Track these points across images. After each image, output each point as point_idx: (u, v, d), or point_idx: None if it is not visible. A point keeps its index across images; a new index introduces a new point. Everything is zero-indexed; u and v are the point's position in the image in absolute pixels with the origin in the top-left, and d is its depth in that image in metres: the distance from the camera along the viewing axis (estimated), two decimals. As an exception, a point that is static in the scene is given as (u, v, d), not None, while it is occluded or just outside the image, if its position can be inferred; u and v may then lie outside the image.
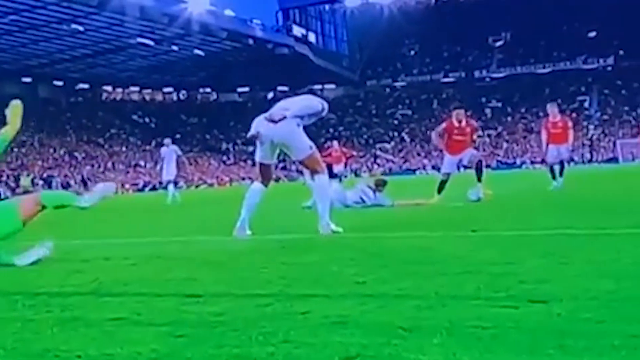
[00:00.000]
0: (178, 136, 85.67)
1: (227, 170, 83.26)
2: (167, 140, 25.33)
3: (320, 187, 8.83)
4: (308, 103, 9.17)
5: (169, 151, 24.66)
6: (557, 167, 18.29)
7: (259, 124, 8.94)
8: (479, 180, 14.19)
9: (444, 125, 15.23)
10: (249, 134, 9.06)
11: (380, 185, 14.50)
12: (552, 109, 19.36)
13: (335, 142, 31.59)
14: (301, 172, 32.07)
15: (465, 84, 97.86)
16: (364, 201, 14.09)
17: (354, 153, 37.16)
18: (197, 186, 70.21)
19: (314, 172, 8.96)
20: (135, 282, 5.27)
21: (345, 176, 33.18)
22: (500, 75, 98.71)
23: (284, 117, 8.71)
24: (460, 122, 14.96)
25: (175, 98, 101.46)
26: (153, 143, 77.91)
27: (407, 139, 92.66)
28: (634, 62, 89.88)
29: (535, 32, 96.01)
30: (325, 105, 9.26)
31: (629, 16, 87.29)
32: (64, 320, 3.78)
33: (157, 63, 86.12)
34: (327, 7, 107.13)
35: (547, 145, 18.85)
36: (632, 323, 3.12)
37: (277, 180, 73.20)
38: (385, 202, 14.11)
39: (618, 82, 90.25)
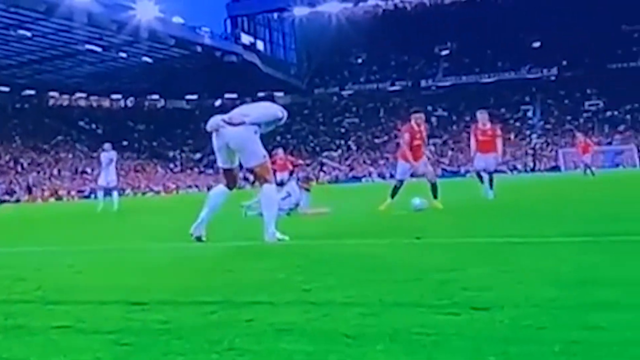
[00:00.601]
0: (125, 143, 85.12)
1: (174, 178, 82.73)
2: (106, 145, 24.77)
3: (267, 197, 8.79)
4: (268, 111, 9.08)
5: (109, 157, 24.09)
6: (486, 176, 17.88)
7: (215, 123, 8.87)
8: (435, 197, 14.13)
9: (407, 134, 14.80)
10: (208, 128, 8.91)
11: (307, 188, 15.05)
12: (481, 116, 18.91)
13: (280, 150, 31.52)
14: (247, 179, 31.90)
15: (411, 93, 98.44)
16: (289, 195, 14.25)
17: (300, 161, 37.15)
18: (143, 193, 69.66)
19: (263, 181, 8.89)
20: (80, 290, 5.21)
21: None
22: (446, 84, 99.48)
23: (243, 122, 8.66)
24: (419, 126, 14.80)
25: (122, 105, 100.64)
26: (100, 150, 77.09)
27: (354, 147, 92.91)
28: (576, 73, 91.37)
29: (480, 42, 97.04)
30: (285, 114, 9.19)
31: (572, 28, 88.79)
32: (7, 328, 3.73)
33: (105, 70, 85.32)
34: (275, 15, 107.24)
35: (475, 153, 18.47)
36: (572, 329, 3.17)
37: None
38: (305, 203, 14.60)
39: (561, 92, 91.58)
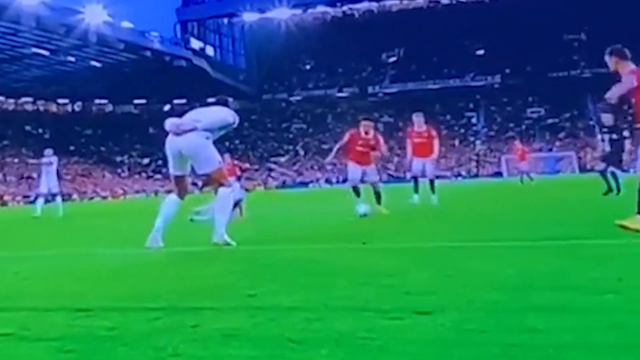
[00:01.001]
0: (72, 148, 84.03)
1: (122, 183, 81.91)
2: (47, 151, 24.03)
3: (222, 200, 8.73)
4: (220, 116, 8.94)
5: (49, 162, 23.43)
6: (426, 182, 17.76)
7: (169, 126, 8.78)
8: (379, 203, 14.19)
9: (347, 137, 14.95)
10: (177, 128, 8.69)
11: (246, 188, 15.30)
12: (417, 118, 18.65)
13: (227, 155, 31.39)
14: (195, 184, 31.62)
15: (359, 99, 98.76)
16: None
17: (248, 166, 37.00)
18: (90, 198, 68.83)
19: (219, 185, 8.85)
20: (25, 296, 5.13)
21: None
22: (393, 90, 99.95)
23: (194, 129, 8.56)
24: (367, 133, 14.85)
25: (70, 109, 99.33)
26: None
27: (302, 153, 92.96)
28: (519, 81, 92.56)
29: (426, 50, 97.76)
30: (237, 118, 9.11)
31: (515, 37, 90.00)
32: None
33: (53, 74, 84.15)
34: (225, 21, 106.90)
35: (412, 157, 18.21)
36: (512, 333, 3.22)
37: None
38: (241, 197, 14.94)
39: (504, 100, 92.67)
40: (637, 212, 8.11)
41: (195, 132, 8.59)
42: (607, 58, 8.70)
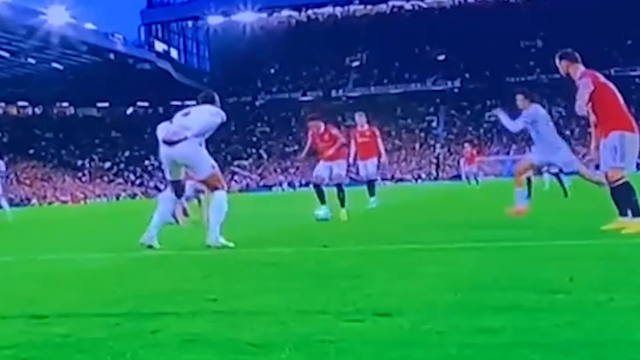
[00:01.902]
0: (32, 151, 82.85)
1: (82, 187, 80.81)
2: None
3: (218, 202, 8.64)
4: (209, 121, 8.78)
5: None
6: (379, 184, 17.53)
7: (161, 131, 8.67)
8: (342, 205, 14.00)
9: (310, 138, 14.82)
10: (168, 139, 8.52)
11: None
12: (359, 118, 18.74)
13: None
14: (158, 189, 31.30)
15: (322, 102, 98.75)
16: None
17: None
18: (49, 203, 67.81)
19: (214, 188, 8.80)
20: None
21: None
22: (356, 94, 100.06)
23: (185, 138, 8.40)
24: (319, 129, 14.58)
25: (30, 112, 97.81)
26: (5, 158, 75.07)
27: (265, 156, 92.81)
28: (478, 85, 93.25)
29: (389, 55, 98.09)
30: (224, 116, 9.01)
31: (475, 42, 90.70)
32: None
33: (13, 76, 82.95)
34: (190, 24, 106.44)
35: (355, 160, 18.06)
36: (467, 333, 3.26)
37: (134, 196, 72.02)
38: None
39: (464, 104, 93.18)
40: (620, 214, 8.30)
41: (187, 141, 8.45)
42: (557, 63, 8.88)
